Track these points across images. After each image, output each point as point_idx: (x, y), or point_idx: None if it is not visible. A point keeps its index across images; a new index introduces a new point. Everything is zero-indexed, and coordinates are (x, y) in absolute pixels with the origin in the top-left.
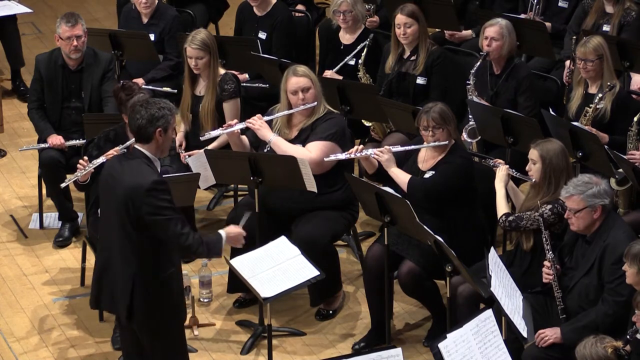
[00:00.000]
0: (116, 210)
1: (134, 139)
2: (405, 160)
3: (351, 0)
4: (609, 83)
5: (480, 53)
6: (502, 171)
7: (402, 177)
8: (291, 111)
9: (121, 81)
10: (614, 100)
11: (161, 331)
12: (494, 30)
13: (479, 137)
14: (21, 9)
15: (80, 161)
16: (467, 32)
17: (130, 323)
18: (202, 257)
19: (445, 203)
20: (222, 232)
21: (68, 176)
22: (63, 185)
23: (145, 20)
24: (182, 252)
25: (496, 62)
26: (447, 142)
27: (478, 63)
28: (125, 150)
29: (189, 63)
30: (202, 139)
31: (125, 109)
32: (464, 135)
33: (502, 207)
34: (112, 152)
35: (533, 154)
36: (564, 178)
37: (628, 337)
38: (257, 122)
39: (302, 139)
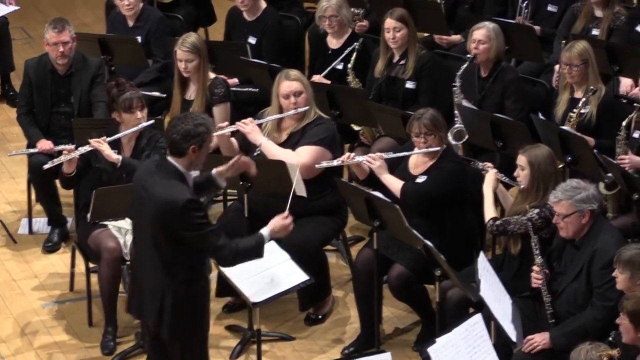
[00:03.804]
0: (148, 224)
1: (125, 132)
2: (396, 166)
3: (336, 5)
4: (592, 87)
5: (468, 56)
6: (490, 176)
7: (394, 184)
8: (282, 115)
9: (115, 79)
10: (599, 104)
11: (190, 342)
12: (482, 33)
13: (465, 139)
14: (10, 8)
15: (67, 147)
16: (457, 37)
17: (159, 333)
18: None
19: (435, 207)
20: (265, 230)
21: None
22: (46, 167)
23: (131, 23)
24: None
25: (484, 65)
26: (439, 148)
27: (465, 65)
28: (116, 150)
29: (179, 66)
30: None
31: (117, 106)
32: (450, 137)
33: (489, 212)
34: (101, 140)
35: (521, 160)
36: (552, 183)
37: (611, 339)
38: (249, 126)
39: (292, 143)
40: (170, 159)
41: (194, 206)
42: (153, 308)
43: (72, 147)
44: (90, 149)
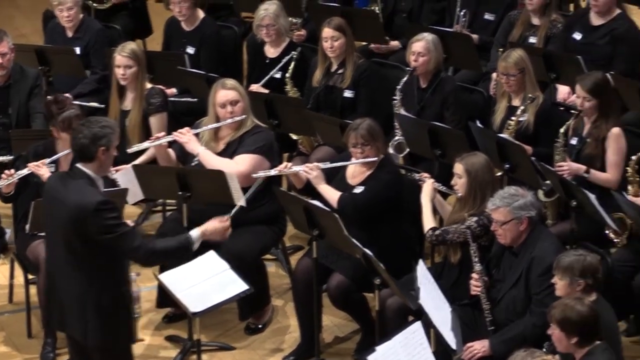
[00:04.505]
0: (62, 232)
1: (63, 152)
2: (334, 175)
3: (273, 14)
4: (530, 95)
5: (407, 68)
6: (428, 185)
7: (331, 194)
8: (220, 124)
9: (54, 95)
10: (536, 112)
11: (117, 349)
12: (421, 45)
13: (406, 151)
14: None
15: (6, 171)
16: (394, 43)
17: (85, 342)
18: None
19: (373, 216)
20: (196, 231)
21: None
22: None
23: (70, 34)
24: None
25: (423, 76)
26: (376, 158)
27: (405, 78)
28: (54, 165)
29: (117, 73)
30: (129, 151)
31: (55, 122)
32: (391, 150)
33: (428, 222)
34: (40, 164)
35: (458, 168)
36: (489, 191)
37: (544, 350)
38: (186, 135)
39: (229, 152)
40: (79, 165)
41: (107, 207)
42: (76, 317)
43: (10, 158)
44: (29, 172)
